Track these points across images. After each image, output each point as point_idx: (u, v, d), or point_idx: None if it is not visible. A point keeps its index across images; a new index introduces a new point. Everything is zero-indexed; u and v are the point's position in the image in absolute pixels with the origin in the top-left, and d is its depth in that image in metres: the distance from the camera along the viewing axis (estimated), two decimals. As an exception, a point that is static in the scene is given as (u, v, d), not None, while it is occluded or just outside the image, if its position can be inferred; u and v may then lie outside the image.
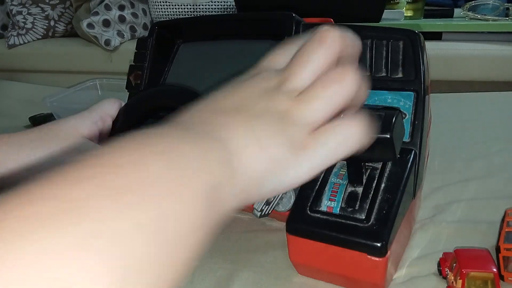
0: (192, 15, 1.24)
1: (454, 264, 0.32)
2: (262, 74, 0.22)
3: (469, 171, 0.50)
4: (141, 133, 0.16)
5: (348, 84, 0.20)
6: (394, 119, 0.29)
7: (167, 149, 0.15)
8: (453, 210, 0.43)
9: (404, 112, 0.36)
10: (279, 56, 0.22)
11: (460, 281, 0.31)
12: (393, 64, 0.37)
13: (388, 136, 0.28)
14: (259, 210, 0.36)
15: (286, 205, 0.36)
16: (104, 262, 0.12)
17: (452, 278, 0.32)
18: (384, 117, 0.30)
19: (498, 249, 0.34)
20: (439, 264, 0.34)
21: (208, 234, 0.16)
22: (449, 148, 0.56)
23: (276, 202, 0.37)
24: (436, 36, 1.07)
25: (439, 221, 0.41)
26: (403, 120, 0.35)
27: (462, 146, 0.56)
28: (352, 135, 0.21)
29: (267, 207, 0.36)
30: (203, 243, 0.16)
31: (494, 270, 0.30)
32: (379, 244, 0.29)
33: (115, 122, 0.42)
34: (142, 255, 0.13)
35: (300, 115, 0.20)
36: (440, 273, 0.34)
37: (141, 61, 0.49)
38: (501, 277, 0.32)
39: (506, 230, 0.35)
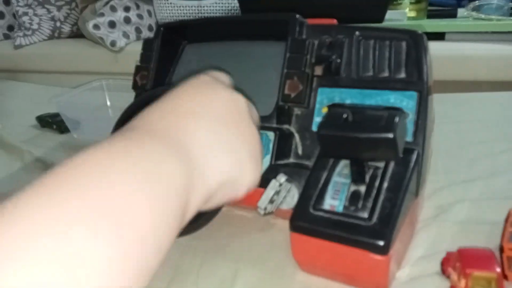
0: (197, 17, 1.24)
1: (458, 264, 0.32)
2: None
3: (473, 171, 0.50)
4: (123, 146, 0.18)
5: None
6: (397, 119, 0.30)
7: (149, 167, 0.18)
8: (456, 210, 0.43)
9: (407, 112, 0.36)
10: None
11: (464, 280, 0.31)
12: (396, 64, 0.37)
13: (391, 136, 0.29)
14: (263, 208, 0.36)
15: (290, 204, 0.37)
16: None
17: (456, 277, 0.32)
18: (387, 117, 0.30)
19: (501, 249, 0.34)
20: (442, 264, 0.35)
21: (177, 231, 0.19)
22: (453, 148, 0.56)
23: (280, 201, 0.37)
24: (439, 36, 1.07)
25: (442, 221, 0.41)
26: (406, 120, 0.35)
27: (466, 146, 0.56)
28: None
29: (270, 205, 0.37)
30: (173, 238, 0.18)
31: (498, 270, 0.30)
32: (382, 243, 0.29)
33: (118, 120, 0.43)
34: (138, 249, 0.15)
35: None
36: (443, 272, 0.34)
37: (147, 61, 0.50)
38: (505, 277, 0.32)
39: (510, 230, 0.35)
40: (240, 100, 0.25)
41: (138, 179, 0.16)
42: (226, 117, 0.22)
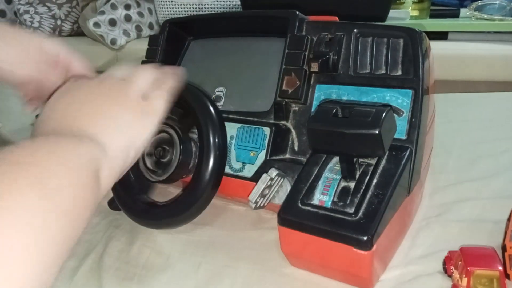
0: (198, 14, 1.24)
1: (460, 262, 0.32)
2: (110, 79, 0.30)
3: (475, 170, 0.50)
4: (42, 140, 0.23)
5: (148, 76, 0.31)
6: (383, 115, 0.29)
7: (60, 152, 0.22)
8: (458, 209, 0.42)
9: (402, 109, 0.35)
10: (120, 71, 0.31)
11: (466, 279, 0.30)
12: (393, 61, 0.37)
13: (377, 132, 0.28)
14: (253, 201, 0.36)
15: (282, 198, 0.36)
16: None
17: (458, 276, 0.31)
18: (374, 114, 0.30)
19: (504, 248, 0.33)
20: (444, 262, 0.34)
21: (94, 208, 0.22)
22: (455, 148, 0.55)
23: (272, 195, 0.37)
24: (442, 36, 1.06)
25: (444, 220, 0.41)
26: (401, 117, 0.35)
27: (468, 146, 0.56)
28: (165, 97, 0.31)
29: (262, 199, 0.36)
30: (90, 216, 0.22)
31: (500, 268, 0.30)
32: (364, 238, 0.29)
33: None
34: (50, 223, 0.18)
35: (131, 91, 0.29)
36: (445, 271, 0.34)
37: (152, 57, 0.50)
38: (507, 276, 0.32)
39: (512, 228, 0.34)
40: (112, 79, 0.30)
41: (58, 157, 0.20)
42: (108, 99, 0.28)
